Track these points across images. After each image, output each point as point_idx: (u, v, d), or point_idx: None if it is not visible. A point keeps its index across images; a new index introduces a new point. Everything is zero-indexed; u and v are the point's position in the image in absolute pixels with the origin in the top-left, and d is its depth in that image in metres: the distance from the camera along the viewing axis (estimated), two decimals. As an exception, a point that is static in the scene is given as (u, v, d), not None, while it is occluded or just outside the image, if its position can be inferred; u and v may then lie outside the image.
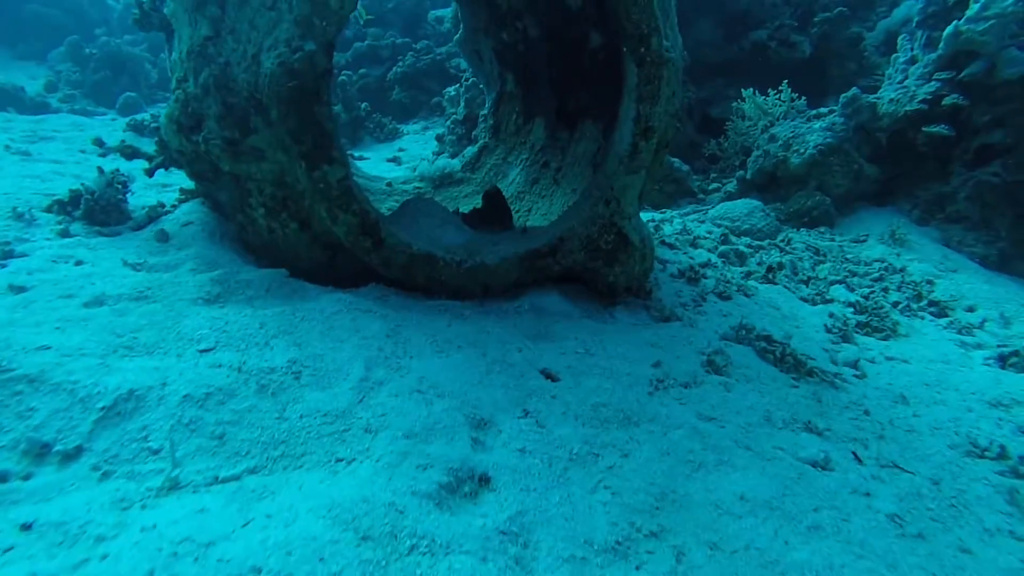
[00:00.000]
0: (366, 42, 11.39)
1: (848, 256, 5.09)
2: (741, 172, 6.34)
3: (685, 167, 6.58)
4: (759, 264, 4.69)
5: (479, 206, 4.25)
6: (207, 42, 2.68)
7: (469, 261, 2.87)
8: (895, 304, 4.19)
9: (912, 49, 5.59)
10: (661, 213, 5.96)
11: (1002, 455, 2.28)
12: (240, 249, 3.29)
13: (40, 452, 1.51)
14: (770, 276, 4.36)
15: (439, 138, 7.92)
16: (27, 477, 1.47)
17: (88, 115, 8.41)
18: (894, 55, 5.92)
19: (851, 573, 1.56)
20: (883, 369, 3.11)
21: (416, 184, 5.93)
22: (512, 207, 5.53)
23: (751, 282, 4.32)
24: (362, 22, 11.77)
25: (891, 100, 5.47)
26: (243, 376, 1.92)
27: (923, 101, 5.14)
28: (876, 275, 4.69)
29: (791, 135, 6.02)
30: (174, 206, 3.62)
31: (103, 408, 1.65)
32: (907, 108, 5.29)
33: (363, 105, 9.61)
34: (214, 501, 1.44)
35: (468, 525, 1.46)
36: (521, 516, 1.53)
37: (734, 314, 3.61)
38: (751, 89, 6.64)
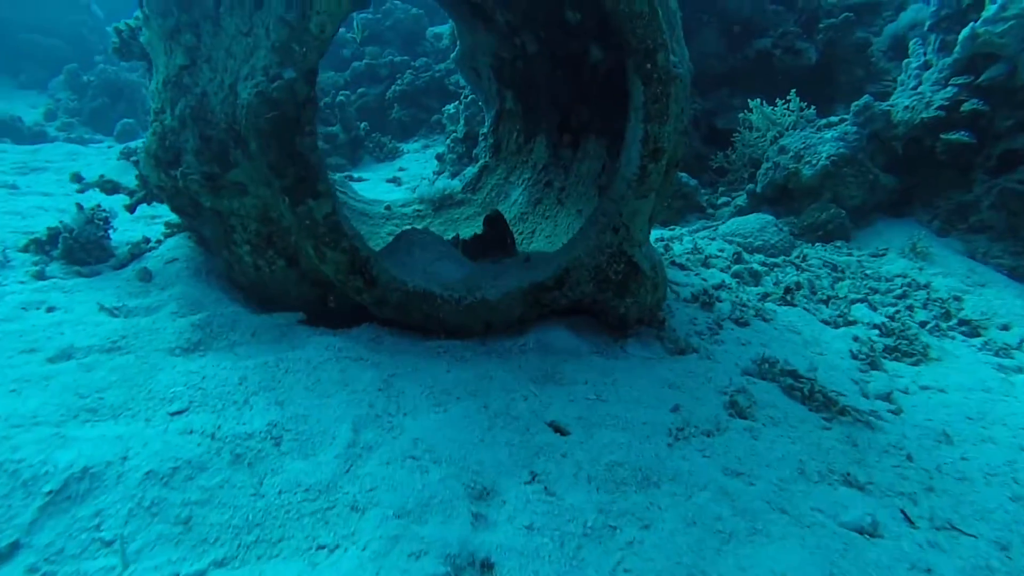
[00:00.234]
0: (364, 61, 11.31)
1: (868, 272, 4.86)
2: (751, 185, 6.13)
3: (693, 181, 6.38)
4: (776, 284, 4.47)
5: (480, 230, 4.05)
6: (183, 71, 2.51)
7: (469, 297, 2.67)
8: (923, 324, 3.95)
9: (925, 54, 5.39)
10: (670, 230, 5.75)
11: (1065, 504, 2.04)
12: (227, 286, 3.10)
13: (-30, 552, 1.31)
14: (788, 298, 4.13)
15: (439, 157, 7.76)
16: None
17: (84, 143, 8.31)
18: (906, 60, 5.72)
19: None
20: (919, 401, 2.87)
21: (416, 207, 5.75)
22: (515, 229, 5.33)
23: (768, 304, 4.09)
24: (358, 40, 11.71)
25: (906, 107, 5.26)
26: (217, 444, 1.72)
27: (940, 107, 4.93)
28: (899, 292, 4.46)
29: (802, 146, 5.81)
30: (159, 241, 3.45)
31: (50, 492, 1.45)
32: (923, 115, 5.08)
33: (362, 125, 9.49)
34: (171, 609, 1.23)
35: (468, 630, 1.25)
36: (530, 613, 1.32)
37: (753, 342, 3.39)
38: (758, 99, 6.45)
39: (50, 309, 2.58)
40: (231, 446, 1.72)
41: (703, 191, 6.68)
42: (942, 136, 4.94)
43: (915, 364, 3.41)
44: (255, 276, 2.89)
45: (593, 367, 2.63)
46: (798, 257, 5.13)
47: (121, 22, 3.29)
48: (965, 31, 4.89)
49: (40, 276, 2.92)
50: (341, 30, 13.51)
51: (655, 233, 5.59)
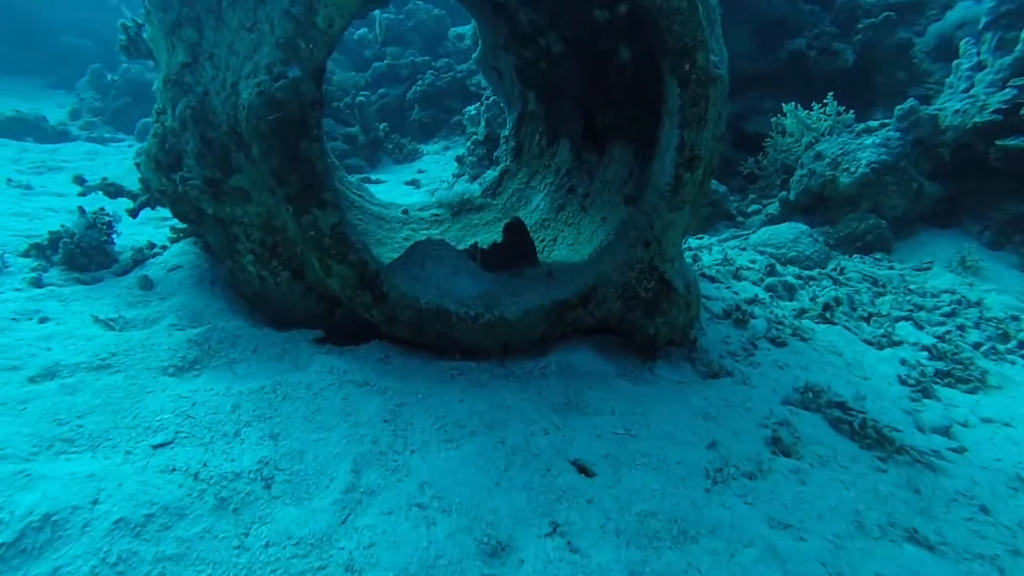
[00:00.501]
0: (385, 61, 11.19)
1: (912, 287, 4.55)
2: (784, 193, 5.83)
3: (722, 188, 6.10)
4: (812, 299, 4.19)
5: (499, 239, 3.85)
6: (184, 69, 2.34)
7: (486, 315, 2.46)
8: (977, 346, 3.65)
9: (979, 54, 5.05)
10: (698, 239, 5.49)
11: None
12: (232, 296, 2.94)
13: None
14: (827, 315, 3.85)
15: (459, 159, 7.58)
16: None
17: (104, 143, 8.30)
18: (956, 61, 5.39)
19: None
20: (982, 437, 2.59)
21: (434, 211, 5.57)
22: (536, 236, 5.12)
23: (806, 322, 3.82)
24: (379, 40, 11.59)
25: (956, 111, 4.93)
26: (200, 485, 1.53)
27: (997, 111, 4.60)
28: (947, 309, 4.15)
29: (839, 152, 5.51)
30: (164, 247, 3.30)
31: (1, 545, 1.27)
32: (976, 119, 4.75)
33: (382, 126, 9.35)
34: None
35: None
36: None
37: (792, 365, 3.13)
38: (792, 103, 6.15)
39: (42, 320, 2.43)
40: (216, 488, 1.53)
41: (732, 198, 6.40)
42: (998, 142, 4.61)
43: (972, 392, 3.12)
44: (259, 287, 2.72)
45: (621, 394, 2.40)
46: (835, 270, 4.84)
47: (128, 18, 3.15)
48: None
49: (37, 283, 2.79)
50: (362, 30, 13.42)
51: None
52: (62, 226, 3.05)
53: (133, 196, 3.21)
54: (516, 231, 3.70)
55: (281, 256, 2.52)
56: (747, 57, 7.53)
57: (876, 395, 2.88)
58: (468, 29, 12.78)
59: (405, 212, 5.60)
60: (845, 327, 3.80)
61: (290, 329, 2.75)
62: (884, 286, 4.56)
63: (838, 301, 4.09)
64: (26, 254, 3.05)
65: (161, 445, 1.66)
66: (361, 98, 9.09)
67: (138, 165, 2.78)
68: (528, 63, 5.06)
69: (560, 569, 1.46)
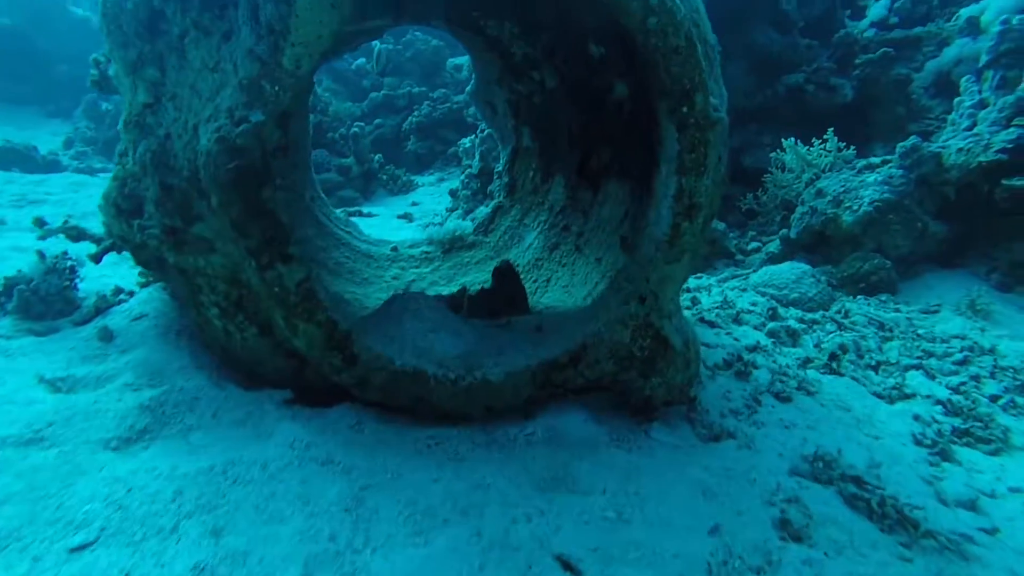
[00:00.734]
0: (382, 92, 11.18)
1: (920, 332, 4.35)
2: (785, 231, 5.68)
3: (721, 225, 5.95)
4: (817, 346, 3.99)
5: (491, 276, 3.66)
6: (145, 110, 2.18)
7: (468, 378, 2.26)
8: (994, 399, 3.44)
9: (980, 92, 4.96)
10: (697, 279, 5.31)
11: None
12: (198, 349, 2.74)
13: None
14: (833, 365, 3.65)
15: (453, 193, 7.45)
16: None
17: (94, 173, 8.17)
18: (958, 99, 5.29)
19: None
20: (1014, 511, 2.37)
21: (424, 248, 5.41)
22: (529, 276, 4.94)
23: (811, 372, 3.62)
24: (376, 71, 11.59)
25: (960, 149, 4.81)
26: (119, 601, 1.31)
27: (1002, 150, 4.47)
28: (959, 357, 3.95)
29: (841, 189, 5.37)
30: (131, 293, 3.11)
31: None
32: (981, 158, 4.62)
33: (377, 157, 9.27)
34: None
35: None
36: None
37: (798, 424, 2.92)
38: (792, 138, 6.04)
39: (-18, 380, 2.23)
40: (138, 605, 1.31)
41: (731, 234, 6.25)
42: (1003, 182, 4.47)
43: (995, 454, 2.90)
44: (225, 342, 2.52)
45: (613, 466, 2.18)
46: (839, 312, 4.65)
47: (100, 52, 3.01)
48: (1027, 69, 4.46)
49: (-14, 335, 2.59)
50: (361, 59, 13.45)
51: (681, 281, 5.15)
52: (19, 271, 2.86)
53: (97, 239, 3.03)
54: (506, 277, 3.52)
55: (247, 310, 2.32)
56: (744, 91, 7.46)
57: (891, 459, 2.66)
58: (466, 60, 12.83)
59: (394, 249, 5.43)
60: (853, 378, 3.59)
61: (259, 385, 2.55)
62: (891, 331, 4.36)
63: (844, 349, 3.89)
64: (-21, 301, 2.86)
65: (80, 547, 1.44)
66: (356, 129, 9.02)
67: (101, 208, 2.60)
68: (522, 97, 4.94)
69: None
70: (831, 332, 4.29)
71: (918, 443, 2.91)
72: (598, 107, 4.08)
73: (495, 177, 6.17)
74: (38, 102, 15.37)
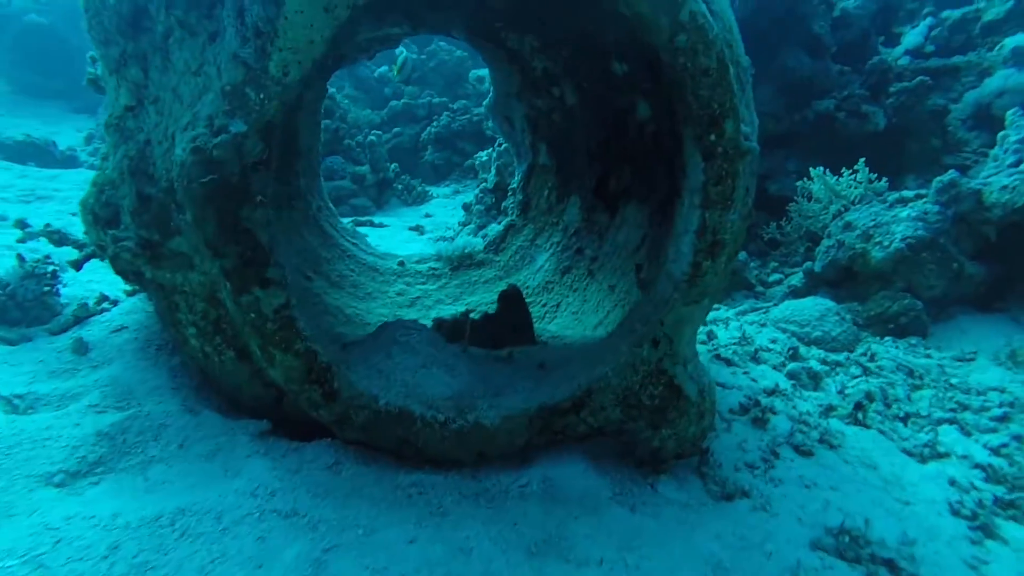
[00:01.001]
0: (402, 100, 11.10)
1: (953, 381, 4.06)
2: (809, 264, 5.42)
3: (742, 255, 5.70)
4: (841, 393, 3.72)
5: (498, 296, 3.46)
6: (127, 113, 2.02)
7: (459, 421, 2.05)
8: (1037, 465, 3.15)
9: (1026, 129, 4.68)
10: (714, 310, 5.06)
11: None
12: (179, 366, 2.57)
13: None
14: (859, 416, 3.38)
15: (466, 207, 7.28)
16: None
17: (108, 168, 8.12)
18: (1002, 132, 5.01)
19: None
20: (1064, 606, 2.10)
21: (432, 264, 5.23)
22: (539, 299, 4.73)
23: (833, 421, 3.35)
24: (396, 78, 11.52)
25: (1004, 187, 4.53)
26: None
27: (1050, 194, 4.19)
28: (998, 412, 3.65)
29: (871, 223, 5.10)
30: (116, 302, 2.96)
31: None
32: (1026, 200, 4.34)
33: (392, 166, 9.15)
34: None
35: None
36: None
37: (820, 483, 2.66)
38: (820, 167, 5.78)
39: (-63, 394, 2.07)
40: None
41: (752, 264, 5.99)
42: (1050, 226, 4.18)
43: (1040, 531, 2.62)
44: (204, 363, 2.34)
45: (613, 529, 1.95)
46: (865, 355, 4.37)
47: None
48: (1078, 107, 4.19)
49: (-47, 342, 2.44)
50: (384, 67, 13.42)
51: (698, 312, 4.91)
52: (-3, 274, 2.72)
53: (80, 245, 2.88)
54: (511, 303, 3.32)
55: (225, 333, 2.14)
56: (772, 116, 7.23)
57: (927, 534, 2.40)
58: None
59: (401, 264, 5.27)
60: (879, 430, 3.32)
61: (239, 410, 2.37)
62: (921, 378, 4.08)
63: (871, 397, 3.62)
64: (-45, 303, 2.71)
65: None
66: (372, 137, 8.91)
67: (80, 214, 2.45)
68: (541, 113, 4.77)
69: None
70: (856, 376, 4.02)
71: (955, 513, 2.64)
72: (619, 127, 3.88)
73: (509, 194, 6.00)
74: (66, 98, 15.56)
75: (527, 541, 1.82)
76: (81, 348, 2.51)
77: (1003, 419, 3.60)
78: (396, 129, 10.64)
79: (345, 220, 7.26)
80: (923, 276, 4.77)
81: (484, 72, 13.07)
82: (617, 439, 2.32)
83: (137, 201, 1.99)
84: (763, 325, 4.74)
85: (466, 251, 5.19)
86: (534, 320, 4.38)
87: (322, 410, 2.00)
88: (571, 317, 4.31)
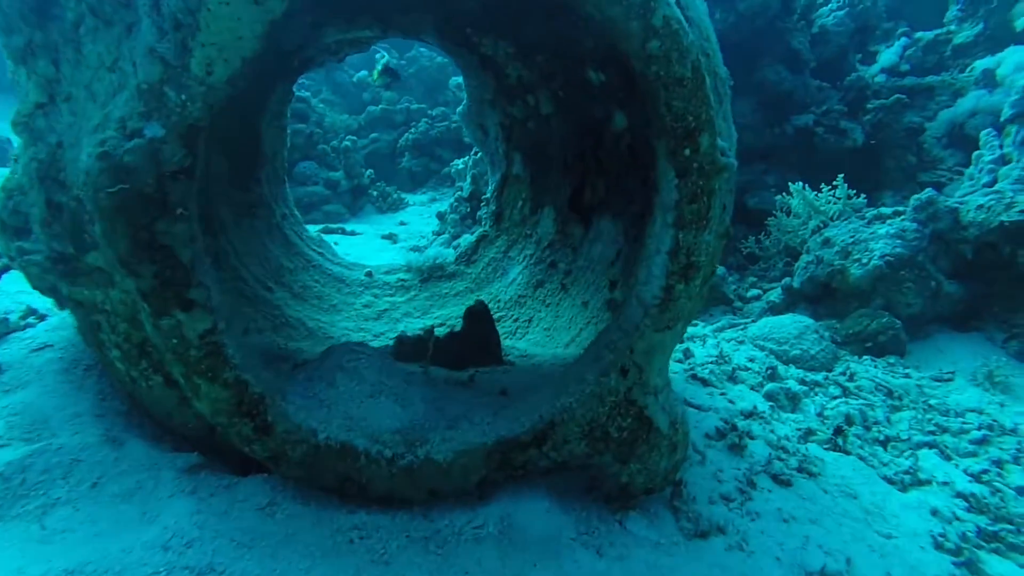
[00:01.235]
0: (380, 106, 10.90)
1: (932, 402, 3.97)
2: (788, 279, 5.33)
3: (720, 269, 5.60)
4: (820, 416, 3.61)
5: (470, 309, 3.28)
6: (37, 111, 1.81)
7: (407, 456, 1.86)
8: (1022, 491, 3.05)
9: (1002, 146, 4.65)
10: (691, 326, 4.94)
11: None
12: (109, 390, 2.34)
13: None
14: (839, 441, 3.26)
15: (440, 216, 7.10)
16: None
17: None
18: (976, 152, 4.99)
19: None
20: (1052, 656, 1.97)
21: (401, 275, 5.04)
22: (511, 314, 4.56)
23: (812, 447, 3.23)
24: (377, 84, 11.31)
25: (980, 206, 4.49)
26: None
27: (1026, 213, 4.15)
28: (978, 435, 3.56)
29: (850, 240, 5.04)
30: (42, 317, 2.72)
31: None
32: (1003, 217, 4.30)
33: (367, 172, 8.94)
34: None
35: None
36: None
37: (799, 517, 2.52)
38: (800, 182, 5.72)
39: None
40: None
41: (730, 279, 5.90)
42: (1028, 246, 4.14)
43: (1024, 567, 2.51)
44: (131, 388, 2.12)
45: (577, 578, 1.78)
46: (844, 374, 4.28)
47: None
48: (1055, 126, 4.17)
49: None
50: (363, 72, 13.20)
51: (674, 329, 4.78)
52: (-92, 286, 2.47)
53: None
54: (478, 320, 3.14)
55: (151, 357, 1.93)
56: (751, 129, 7.18)
57: (911, 573, 2.26)
58: (469, 79, 12.59)
59: (369, 274, 5.06)
60: (859, 456, 3.20)
61: (175, 438, 2.16)
62: (900, 399, 3.98)
63: (850, 421, 3.51)
64: None
65: None
66: (347, 142, 8.70)
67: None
68: (515, 122, 4.62)
69: None
70: (836, 398, 3.91)
71: (939, 547, 2.51)
72: (595, 138, 3.75)
73: (483, 204, 5.83)
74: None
75: (478, 597, 1.64)
76: (-4, 369, 2.28)
77: (982, 442, 3.51)
78: (373, 135, 10.43)
79: (316, 227, 7.03)
80: (901, 294, 4.70)
81: (464, 79, 12.94)
82: (583, 473, 2.15)
83: (47, 210, 1.78)
84: (741, 342, 4.62)
85: (437, 262, 5.01)
86: (505, 335, 4.21)
87: (255, 445, 1.80)
88: (543, 333, 4.15)
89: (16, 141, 1.99)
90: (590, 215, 4.05)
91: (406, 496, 1.91)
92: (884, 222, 5.07)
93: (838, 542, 2.38)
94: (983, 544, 2.59)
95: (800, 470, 2.90)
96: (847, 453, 3.20)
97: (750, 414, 3.46)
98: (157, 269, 1.57)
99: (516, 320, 4.40)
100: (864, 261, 4.82)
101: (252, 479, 1.94)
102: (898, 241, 4.74)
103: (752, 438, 3.13)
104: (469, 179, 6.87)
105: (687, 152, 1.94)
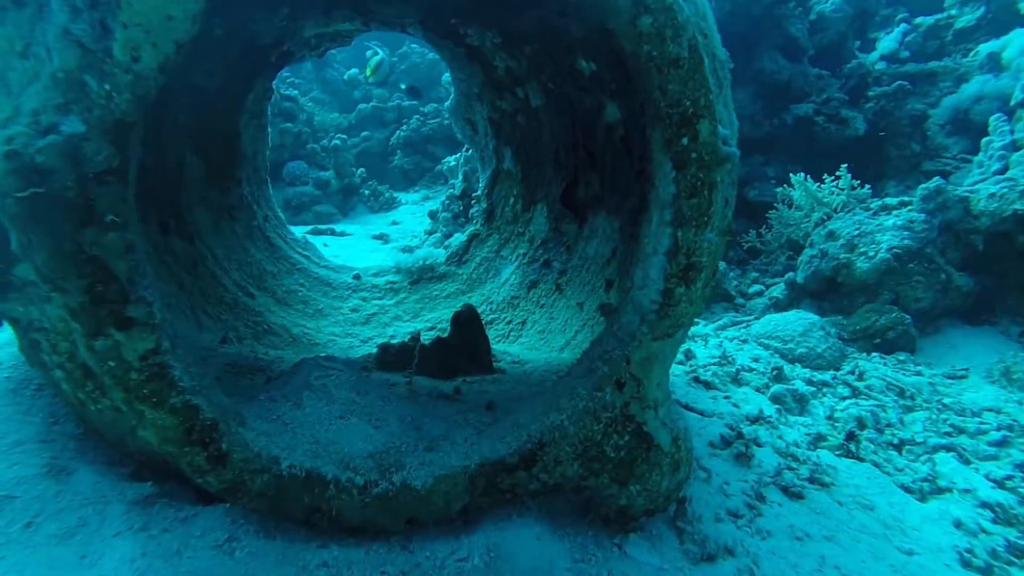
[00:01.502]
0: (371, 103, 10.69)
1: (946, 401, 3.79)
2: (791, 274, 5.15)
3: (721, 264, 5.41)
4: (830, 419, 3.42)
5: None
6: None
7: (382, 483, 1.68)
8: (1044, 500, 2.87)
9: (1013, 132, 4.46)
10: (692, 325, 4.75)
11: None
12: (61, 411, 2.16)
13: None
14: (851, 447, 3.08)
15: (432, 215, 6.91)
16: None
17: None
18: (986, 139, 4.80)
19: None
20: None
21: (390, 278, 4.86)
22: (503, 315, 4.38)
23: (823, 453, 3.05)
24: (370, 81, 11.10)
25: (992, 195, 4.30)
26: None
27: (1042, 201, 3.96)
28: (997, 436, 3.38)
29: (856, 232, 4.85)
30: (-4, 332, 2.53)
31: None
32: (1016, 206, 4.11)
33: (359, 171, 8.74)
34: None
35: None
36: None
37: (813, 534, 2.34)
38: (801, 173, 5.53)
39: None
40: None
41: (731, 274, 5.71)
42: (1043, 235, 3.96)
43: (1058, 585, 2.33)
44: (81, 411, 1.94)
45: (571, 619, 1.59)
46: (852, 373, 4.09)
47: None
48: (1069, 110, 3.98)
49: None
50: (353, 70, 12.97)
51: (675, 328, 4.59)
52: None
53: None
54: (466, 326, 2.95)
55: (97, 379, 1.74)
56: (750, 120, 6.99)
57: (934, 596, 2.08)
58: (461, 75, 12.38)
59: (356, 277, 4.88)
60: (873, 462, 3.02)
61: (133, 465, 1.97)
62: (913, 398, 3.80)
63: (862, 424, 3.33)
64: None
65: None
66: (337, 141, 8.50)
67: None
68: (505, 116, 4.43)
69: None
70: (845, 398, 3.73)
71: (966, 564, 2.33)
72: (587, 130, 3.56)
73: (473, 202, 5.64)
74: None
75: (459, 645, 1.46)
76: (-63, 393, 2.09)
77: (1002, 444, 3.33)
78: (364, 133, 10.23)
79: (304, 228, 6.84)
80: (910, 288, 4.52)
81: (457, 75, 12.73)
82: (577, 496, 1.97)
83: (-29, 219, 1.58)
84: (744, 341, 4.44)
85: (427, 263, 4.83)
86: (497, 339, 4.02)
87: (209, 477, 1.61)
88: (537, 336, 3.97)
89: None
90: (584, 212, 3.86)
91: (382, 526, 1.73)
92: (890, 213, 4.88)
93: (856, 562, 2.20)
94: (1014, 560, 2.41)
95: (812, 480, 2.71)
96: (861, 460, 3.01)
97: (756, 419, 3.27)
98: (86, 284, 1.38)
99: (509, 322, 4.22)
100: (871, 254, 4.64)
101: (212, 510, 1.76)
102: (906, 232, 4.55)
103: (759, 445, 2.95)
104: (461, 176, 6.67)
105: (685, 141, 1.75)
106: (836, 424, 3.35)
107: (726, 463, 2.76)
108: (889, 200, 5.14)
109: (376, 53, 10.38)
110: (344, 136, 9.21)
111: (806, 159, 6.71)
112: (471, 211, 6.21)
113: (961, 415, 3.63)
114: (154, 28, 1.28)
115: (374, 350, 2.95)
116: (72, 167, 1.28)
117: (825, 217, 5.22)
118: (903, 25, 8.89)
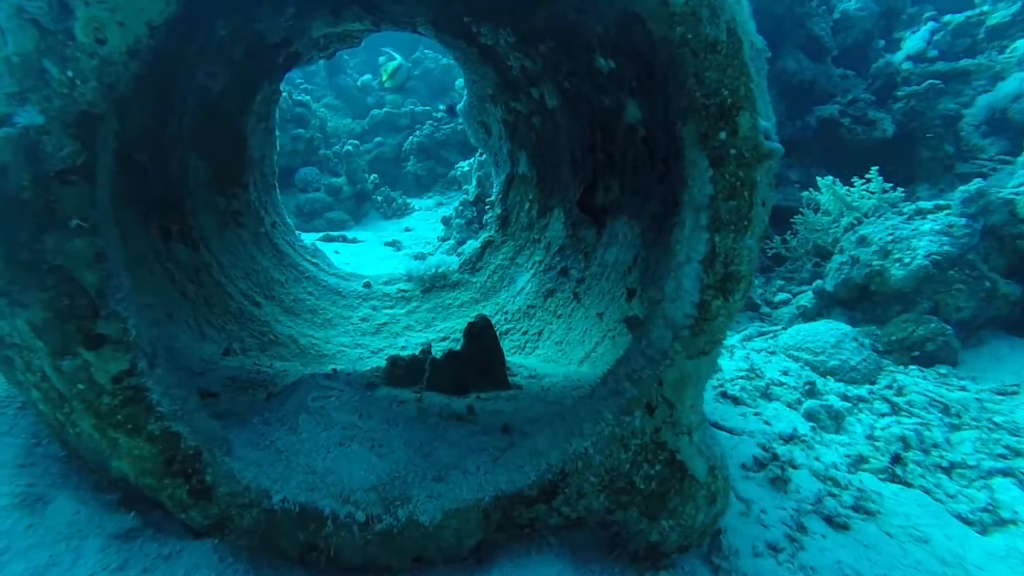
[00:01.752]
0: (384, 109, 10.61)
1: (997, 419, 3.52)
2: (819, 282, 4.90)
3: (746, 271, 5.18)
4: (869, 438, 3.18)
5: (474, 321, 2.91)
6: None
7: (386, 519, 1.50)
8: (1116, 532, 2.61)
9: (1060, 132, 4.19)
10: (717, 336, 4.53)
11: None
12: (45, 431, 2.01)
13: None
14: (897, 471, 2.84)
15: (446, 221, 6.76)
16: None
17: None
18: (1029, 139, 4.52)
19: None
20: None
21: (401, 286, 4.70)
22: (519, 326, 4.19)
23: (866, 477, 2.81)
24: (387, 86, 11.00)
25: (1039, 199, 4.04)
26: None
27: (1097, 204, 3.69)
28: (1053, 460, 3.12)
29: (889, 238, 4.59)
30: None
31: None
32: (1066, 211, 3.84)
33: (371, 177, 8.63)
34: None
35: None
36: None
37: (864, 573, 2.11)
38: (829, 177, 5.29)
39: None
40: None
41: (755, 281, 5.47)
42: (1098, 241, 3.68)
43: None
44: (60, 433, 1.78)
45: None
46: (890, 388, 3.84)
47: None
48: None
49: None
50: (367, 75, 12.91)
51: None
52: None
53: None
54: (479, 338, 2.77)
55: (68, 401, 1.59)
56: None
57: (1005, 647, 1.85)
58: (475, 81, 12.26)
59: (367, 285, 4.73)
60: (924, 489, 2.78)
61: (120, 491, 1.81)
62: (959, 416, 3.54)
63: (907, 444, 3.08)
64: None
65: None
66: (349, 147, 8.40)
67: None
68: (519, 118, 4.26)
69: None
70: (884, 415, 3.48)
71: (1035, 608, 2.09)
72: (607, 131, 3.37)
73: (487, 208, 5.47)
74: None
75: None
76: (-85, 411, 1.95)
77: (1061, 468, 3.06)
78: (377, 139, 10.13)
79: (316, 235, 6.73)
80: (951, 296, 4.25)
81: (471, 81, 12.62)
82: (603, 531, 1.77)
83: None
84: (772, 353, 4.20)
85: (439, 271, 4.67)
86: (513, 350, 3.84)
87: (192, 512, 1.44)
88: (554, 348, 3.78)
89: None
90: (603, 217, 3.67)
91: (386, 566, 1.55)
92: (926, 217, 4.63)
93: (913, 604, 1.97)
94: (1090, 602, 2.17)
95: (857, 508, 2.48)
96: (909, 485, 2.78)
97: (790, 438, 3.05)
98: (49, 297, 1.22)
99: (525, 333, 4.04)
100: (906, 261, 4.38)
101: (199, 545, 1.58)
102: (945, 238, 4.29)
103: (795, 468, 2.73)
104: (475, 181, 6.52)
105: (723, 135, 1.56)
106: (877, 444, 3.11)
107: (761, 488, 2.54)
108: (924, 204, 4.88)
109: (392, 58, 10.30)
110: (357, 142, 9.12)
111: (831, 162, 6.46)
112: (485, 217, 6.04)
113: (1016, 435, 3.36)
114: (120, 6, 1.13)
115: (383, 362, 2.79)
116: (28, 164, 1.13)
117: (855, 222, 4.97)
118: (931, 23, 8.62)
